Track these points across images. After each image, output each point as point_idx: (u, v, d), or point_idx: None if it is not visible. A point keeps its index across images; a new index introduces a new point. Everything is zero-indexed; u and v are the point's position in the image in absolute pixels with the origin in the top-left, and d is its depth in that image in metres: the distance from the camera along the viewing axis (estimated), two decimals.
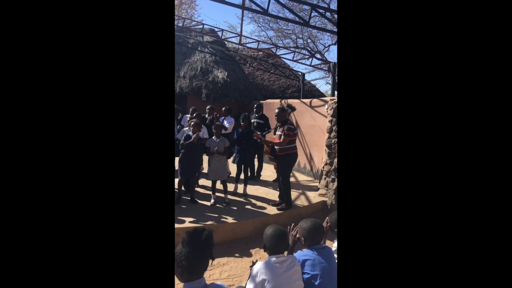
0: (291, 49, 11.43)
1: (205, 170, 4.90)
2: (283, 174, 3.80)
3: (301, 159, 5.75)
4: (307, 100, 5.87)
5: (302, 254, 1.67)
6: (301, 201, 4.24)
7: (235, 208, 3.85)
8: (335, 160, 4.21)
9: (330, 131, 4.38)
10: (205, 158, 4.47)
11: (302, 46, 15.06)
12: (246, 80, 10.50)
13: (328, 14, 7.67)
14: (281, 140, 3.60)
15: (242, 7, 4.99)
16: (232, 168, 4.90)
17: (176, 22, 8.50)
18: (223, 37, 9.05)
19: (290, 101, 6.35)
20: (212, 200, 3.90)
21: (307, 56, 10.21)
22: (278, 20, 13.02)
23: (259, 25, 15.65)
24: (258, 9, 4.92)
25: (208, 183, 4.41)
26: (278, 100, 7.01)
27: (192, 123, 3.80)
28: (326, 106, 4.86)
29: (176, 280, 1.23)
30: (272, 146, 3.87)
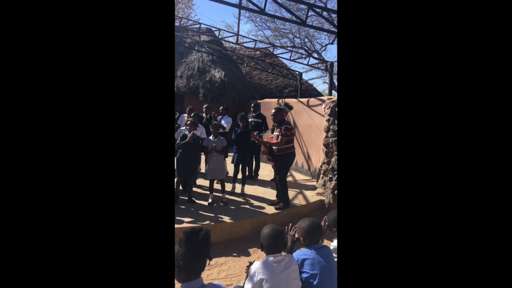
0: (288, 48, 11.43)
1: (203, 170, 4.90)
2: (280, 174, 3.80)
3: (299, 158, 5.76)
4: (304, 100, 5.88)
5: (301, 253, 1.67)
6: (299, 200, 4.24)
7: (233, 207, 3.84)
8: (333, 159, 4.22)
9: (327, 130, 4.39)
10: (203, 157, 4.48)
11: (299, 46, 15.06)
12: (244, 79, 10.50)
13: (325, 13, 7.68)
14: (279, 140, 3.60)
15: (239, 6, 4.99)
16: (230, 168, 4.90)
17: None
18: (220, 37, 9.00)
19: (287, 100, 6.35)
20: (210, 200, 3.89)
21: (304, 56, 10.23)
22: (275, 19, 13.01)
23: (256, 24, 15.63)
24: (255, 8, 4.92)
25: (206, 182, 4.40)
26: (275, 100, 7.02)
27: (188, 122, 3.79)
28: (324, 105, 4.87)
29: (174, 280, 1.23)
30: (270, 146, 3.87)
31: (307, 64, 9.40)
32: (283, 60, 12.44)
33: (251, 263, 1.59)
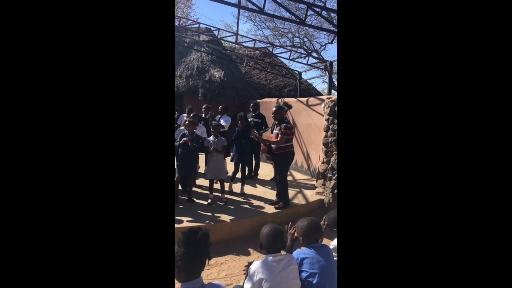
0: (288, 48, 11.42)
1: (202, 170, 4.90)
2: (280, 173, 3.81)
3: (298, 157, 5.76)
4: (304, 99, 5.88)
5: (301, 252, 1.67)
6: (299, 200, 4.25)
7: (233, 207, 3.84)
8: (332, 158, 4.22)
9: (327, 130, 4.39)
10: (201, 157, 4.47)
11: (299, 45, 15.05)
12: (243, 79, 10.49)
13: (324, 12, 7.68)
14: (278, 139, 3.60)
15: (238, 6, 4.98)
16: (229, 167, 4.90)
17: None
18: (219, 36, 8.99)
19: (286, 99, 6.35)
20: (209, 199, 3.89)
21: (303, 55, 10.21)
22: (275, 19, 13.00)
23: (256, 24, 15.60)
24: (254, 8, 4.91)
25: (205, 182, 4.40)
26: (275, 99, 7.02)
27: (187, 122, 3.79)
28: (323, 105, 4.87)
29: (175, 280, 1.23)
30: (269, 145, 3.87)
31: (307, 64, 9.38)
32: (283, 60, 12.42)
33: (249, 263, 1.59)
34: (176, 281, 1.23)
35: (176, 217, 3.35)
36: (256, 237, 3.18)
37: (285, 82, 11.74)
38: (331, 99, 4.44)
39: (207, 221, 3.33)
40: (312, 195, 4.43)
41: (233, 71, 10.03)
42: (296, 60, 9.43)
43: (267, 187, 4.75)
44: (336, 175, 4.11)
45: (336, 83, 11.55)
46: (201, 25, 8.75)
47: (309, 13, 6.11)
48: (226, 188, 4.17)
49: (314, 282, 1.55)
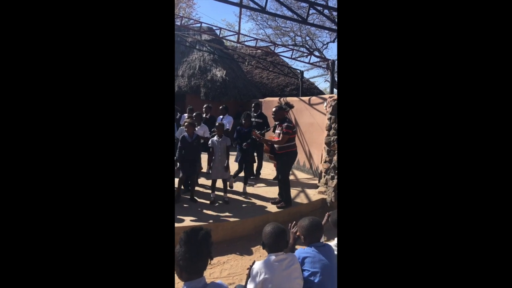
0: (290, 47, 11.41)
1: (204, 169, 4.90)
2: (282, 172, 3.80)
3: (301, 157, 5.75)
4: (306, 98, 5.87)
5: (303, 251, 1.67)
6: (301, 199, 4.25)
7: (235, 206, 3.85)
8: (334, 157, 4.21)
9: (329, 129, 4.38)
10: (203, 157, 4.47)
11: (301, 44, 15.01)
12: (245, 78, 10.49)
13: (326, 11, 7.66)
14: (280, 138, 3.59)
15: (240, 5, 4.98)
16: (232, 167, 4.90)
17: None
18: (221, 36, 9.00)
19: (288, 99, 6.35)
20: (212, 199, 3.90)
21: (305, 54, 10.20)
22: (276, 18, 12.97)
23: (257, 23, 15.57)
24: (256, 7, 4.91)
25: (207, 182, 4.41)
26: (277, 98, 7.01)
27: (186, 123, 3.79)
28: (325, 104, 4.86)
29: (177, 279, 1.23)
30: (271, 145, 3.87)
31: (309, 63, 9.39)
32: (284, 59, 12.38)
33: (252, 265, 1.59)
34: (179, 280, 1.23)
35: (178, 216, 3.36)
36: (258, 237, 3.19)
37: (287, 81, 11.73)
38: (333, 98, 4.43)
39: (209, 221, 3.34)
40: (314, 194, 4.42)
41: (235, 70, 10.03)
42: (298, 59, 9.44)
43: (269, 187, 4.76)
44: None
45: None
46: (203, 25, 8.77)
47: (311, 11, 6.10)
48: (229, 188, 4.17)
49: (315, 281, 1.55)
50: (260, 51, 10.96)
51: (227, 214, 3.55)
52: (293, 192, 4.32)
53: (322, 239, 1.79)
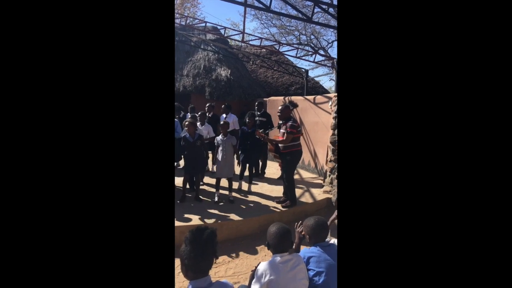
0: (294, 45, 11.37)
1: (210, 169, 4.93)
2: (287, 172, 3.80)
3: (305, 156, 5.74)
4: (310, 97, 5.85)
5: (308, 251, 1.67)
6: (306, 198, 4.24)
7: (240, 205, 3.86)
8: None
9: (334, 128, 4.36)
10: (210, 156, 4.49)
11: (305, 43, 14.96)
12: (250, 77, 10.49)
13: (331, 9, 7.61)
14: (284, 138, 3.59)
15: (245, 4, 4.97)
16: (236, 167, 4.91)
17: (178, 21, 8.50)
18: (226, 35, 9.00)
19: (293, 98, 6.33)
20: (216, 198, 3.91)
21: (310, 53, 10.15)
22: (281, 16, 12.94)
23: (262, 22, 15.62)
24: (261, 6, 4.90)
25: (212, 181, 4.42)
26: (281, 97, 7.00)
27: (187, 123, 3.79)
28: (330, 103, 4.84)
29: (183, 278, 1.24)
30: (276, 144, 3.87)
31: (313, 61, 9.33)
32: (289, 58, 12.35)
33: (257, 266, 1.59)
34: (184, 279, 1.24)
35: (184, 215, 3.38)
36: (263, 236, 3.19)
37: (292, 80, 11.69)
38: None
39: (214, 220, 3.35)
40: (319, 194, 4.41)
41: (239, 69, 10.03)
42: (303, 58, 9.38)
43: (274, 186, 4.75)
44: None
45: None
46: (208, 24, 8.78)
47: (316, 10, 6.06)
48: (234, 186, 4.18)
49: (320, 281, 1.55)
50: (264, 50, 10.94)
51: (232, 213, 3.56)
52: (298, 191, 4.31)
53: (328, 239, 1.78)
